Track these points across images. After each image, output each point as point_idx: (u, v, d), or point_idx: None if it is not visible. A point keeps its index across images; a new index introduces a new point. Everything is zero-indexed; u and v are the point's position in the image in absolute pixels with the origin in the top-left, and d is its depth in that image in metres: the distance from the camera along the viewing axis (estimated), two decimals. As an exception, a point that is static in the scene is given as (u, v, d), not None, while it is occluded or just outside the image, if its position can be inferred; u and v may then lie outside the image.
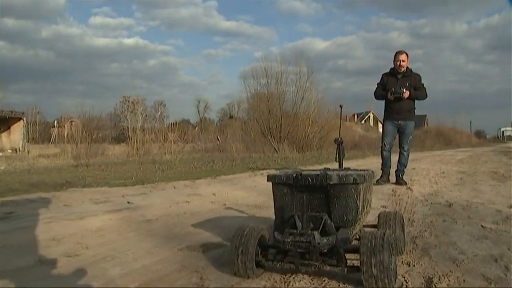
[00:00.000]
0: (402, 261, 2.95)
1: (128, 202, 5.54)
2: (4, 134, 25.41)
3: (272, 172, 3.35)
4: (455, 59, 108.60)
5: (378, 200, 5.34)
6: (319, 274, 2.73)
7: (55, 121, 38.86)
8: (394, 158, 7.45)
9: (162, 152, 22.23)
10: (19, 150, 23.94)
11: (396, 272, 2.50)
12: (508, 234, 3.55)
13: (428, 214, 4.53)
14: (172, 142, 24.22)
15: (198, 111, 62.36)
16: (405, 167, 7.54)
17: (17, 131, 25.54)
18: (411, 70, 7.29)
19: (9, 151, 23.78)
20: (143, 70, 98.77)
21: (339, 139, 4.05)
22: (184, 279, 2.66)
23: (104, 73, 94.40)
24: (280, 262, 2.81)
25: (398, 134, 7.42)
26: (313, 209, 2.88)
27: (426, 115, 57.46)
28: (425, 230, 3.78)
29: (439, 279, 2.54)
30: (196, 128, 53.55)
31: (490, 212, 4.55)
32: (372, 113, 56.92)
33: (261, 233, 2.93)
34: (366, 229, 3.18)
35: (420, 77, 7.33)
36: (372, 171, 3.15)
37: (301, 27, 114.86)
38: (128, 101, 55.49)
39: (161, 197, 6.08)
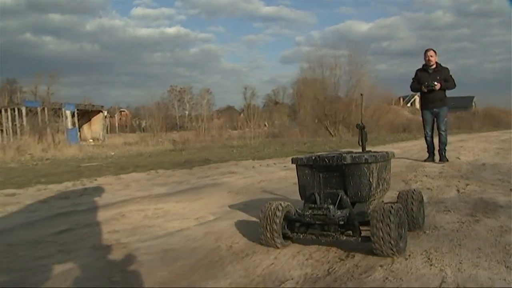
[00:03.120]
0: (459, 182, 6.46)
1: (268, 165, 9.31)
2: (85, 126, 29.92)
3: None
4: (504, 36, 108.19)
5: (437, 168, 8.63)
6: (337, 244, 3.38)
7: (106, 112, 43.23)
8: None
9: (224, 138, 25.86)
10: (99, 140, 28.28)
11: (406, 242, 3.15)
12: (510, 173, 7.08)
13: (470, 169, 8.03)
14: (239, 128, 27.97)
15: (245, 98, 65.76)
16: (446, 145, 9.30)
17: (97, 122, 30.10)
18: (440, 64, 9.03)
19: (91, 140, 28.11)
20: (185, 58, 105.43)
21: (361, 124, 4.29)
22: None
23: (147, 63, 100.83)
24: (303, 234, 3.40)
25: (435, 119, 9.21)
26: (331, 186, 3.43)
27: (473, 97, 58.55)
28: (468, 173, 7.34)
29: (472, 184, 6.10)
30: (241, 114, 57.06)
31: (507, 167, 8.03)
32: (418, 96, 58.57)
33: (286, 208, 3.51)
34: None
35: (449, 70, 9.07)
36: (387, 153, 3.73)
37: (342, 10, 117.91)
38: (175, 89, 59.88)
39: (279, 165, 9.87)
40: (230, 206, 5.16)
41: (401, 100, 56.46)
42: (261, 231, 3.48)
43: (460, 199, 5.08)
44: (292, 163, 3.64)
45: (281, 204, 3.54)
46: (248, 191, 6.23)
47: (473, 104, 57.82)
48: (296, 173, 3.63)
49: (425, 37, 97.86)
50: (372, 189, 3.39)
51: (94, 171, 9.67)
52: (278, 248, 3.42)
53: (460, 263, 2.89)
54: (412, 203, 3.71)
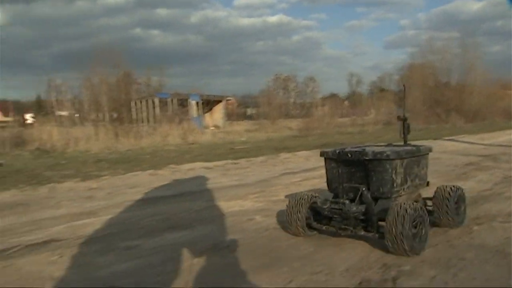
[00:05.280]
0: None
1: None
2: (207, 114, 33.94)
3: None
4: None
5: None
6: (355, 238, 3.67)
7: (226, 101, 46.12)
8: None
9: (334, 125, 28.20)
10: (219, 127, 32.03)
11: (424, 241, 3.46)
12: None
13: None
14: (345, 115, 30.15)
15: (350, 85, 67.10)
16: None
17: (218, 111, 34.07)
18: None
19: (212, 128, 31.91)
20: (287, 46, 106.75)
21: (403, 116, 4.36)
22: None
23: (250, 52, 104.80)
24: (325, 225, 3.78)
25: None
26: (355, 181, 3.68)
27: None
28: None
29: None
30: (345, 101, 58.73)
31: None
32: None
33: (313, 199, 3.86)
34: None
35: None
36: (419, 147, 3.93)
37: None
38: (280, 78, 62.80)
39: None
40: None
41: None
42: (286, 220, 4.03)
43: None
44: (320, 156, 4.01)
45: (307, 195, 3.97)
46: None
47: None
48: (324, 166, 4.05)
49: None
50: (395, 185, 3.57)
51: (251, 152, 12.78)
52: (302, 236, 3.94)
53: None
54: (447, 199, 3.93)
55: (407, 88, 35.55)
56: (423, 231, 3.44)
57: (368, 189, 3.62)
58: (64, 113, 33.75)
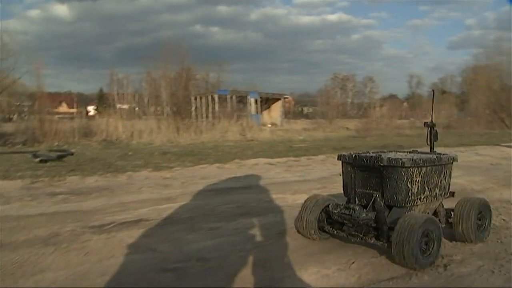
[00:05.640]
0: None
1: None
2: (265, 112, 34.64)
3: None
4: None
5: None
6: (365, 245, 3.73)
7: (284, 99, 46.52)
8: None
9: (392, 127, 28.07)
10: (276, 125, 32.62)
11: (435, 256, 3.40)
12: None
13: None
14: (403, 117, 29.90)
15: (410, 86, 66.14)
16: None
17: (276, 109, 34.73)
18: None
19: (269, 125, 32.54)
20: (346, 45, 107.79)
21: (430, 123, 4.24)
22: None
23: (309, 50, 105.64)
24: (337, 230, 3.79)
25: None
26: (370, 187, 3.63)
27: None
28: None
29: None
30: (405, 103, 57.92)
31: None
32: None
33: (327, 202, 3.87)
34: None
35: None
36: (440, 156, 3.81)
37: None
38: (338, 77, 62.72)
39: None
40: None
41: None
42: (296, 221, 4.11)
43: None
44: (337, 159, 3.98)
45: (322, 198, 4.00)
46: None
47: None
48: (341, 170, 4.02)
49: None
50: (410, 194, 3.49)
51: (310, 150, 13.22)
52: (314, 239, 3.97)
53: None
54: (468, 213, 3.81)
55: (471, 91, 35.28)
56: (434, 245, 3.38)
57: (383, 196, 3.59)
58: (124, 106, 35.28)
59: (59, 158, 10.87)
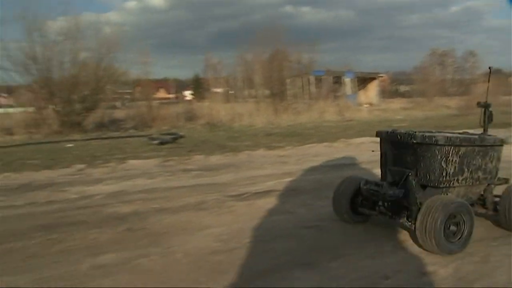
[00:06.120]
0: None
1: None
2: (361, 92, 34.65)
3: None
4: None
5: None
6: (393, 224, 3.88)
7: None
8: None
9: (497, 103, 26.88)
10: (373, 104, 32.55)
11: (463, 242, 3.29)
12: None
13: None
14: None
15: (519, 60, 62.25)
16: None
17: (372, 88, 34.65)
18: None
19: (366, 105, 32.49)
20: (444, 18, 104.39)
21: (484, 103, 4.01)
22: None
23: (403, 26, 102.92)
24: (369, 210, 3.81)
25: None
26: (404, 165, 3.57)
27: None
28: None
29: None
30: (511, 78, 54.77)
31: None
32: None
33: (359, 181, 3.86)
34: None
35: None
36: (484, 137, 3.66)
37: None
38: (437, 53, 60.43)
39: None
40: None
41: None
42: (332, 205, 4.16)
43: None
44: (376, 136, 3.95)
45: (355, 178, 4.04)
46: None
47: None
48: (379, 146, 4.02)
49: None
50: (445, 174, 3.39)
51: (413, 129, 13.36)
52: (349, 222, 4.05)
53: None
54: (510, 201, 3.65)
55: None
56: (465, 231, 3.31)
57: (416, 175, 3.51)
58: (219, 90, 36.56)
59: (173, 140, 11.93)
